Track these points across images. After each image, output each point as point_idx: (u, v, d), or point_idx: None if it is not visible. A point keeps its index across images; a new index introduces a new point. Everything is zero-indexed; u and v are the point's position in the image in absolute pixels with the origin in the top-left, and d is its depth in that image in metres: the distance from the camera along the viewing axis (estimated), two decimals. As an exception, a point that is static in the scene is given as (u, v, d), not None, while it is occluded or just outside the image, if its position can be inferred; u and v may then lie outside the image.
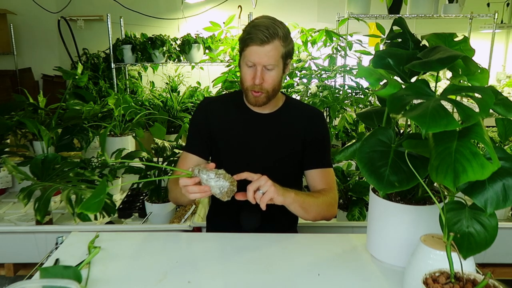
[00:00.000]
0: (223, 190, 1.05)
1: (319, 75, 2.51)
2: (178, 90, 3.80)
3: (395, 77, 1.02)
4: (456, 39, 1.02)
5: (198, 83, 3.90)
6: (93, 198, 0.89)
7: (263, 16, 1.29)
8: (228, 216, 1.41)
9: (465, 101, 2.90)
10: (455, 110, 0.81)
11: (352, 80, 2.61)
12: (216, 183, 1.04)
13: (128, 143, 2.43)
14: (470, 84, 0.99)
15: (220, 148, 1.38)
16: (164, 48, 3.54)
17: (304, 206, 1.22)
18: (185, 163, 1.37)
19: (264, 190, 1.08)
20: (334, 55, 2.67)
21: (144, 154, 1.98)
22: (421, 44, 1.09)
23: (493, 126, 1.79)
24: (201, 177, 1.05)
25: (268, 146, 1.37)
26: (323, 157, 1.38)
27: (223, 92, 2.58)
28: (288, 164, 1.38)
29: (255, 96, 1.29)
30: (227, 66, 2.83)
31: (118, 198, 2.16)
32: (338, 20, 3.22)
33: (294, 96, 2.39)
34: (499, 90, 1.43)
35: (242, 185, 1.10)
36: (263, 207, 1.09)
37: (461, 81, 1.01)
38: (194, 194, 1.06)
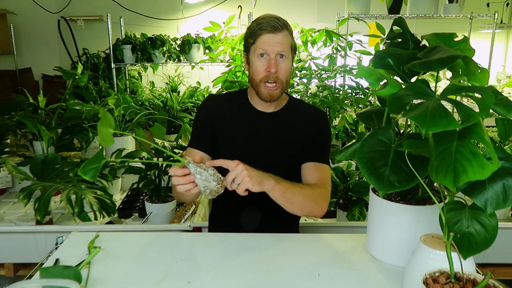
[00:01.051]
0: (206, 189, 1.03)
1: (319, 75, 2.51)
2: (178, 90, 3.80)
3: (395, 77, 1.02)
4: (456, 39, 1.02)
5: (198, 83, 3.90)
6: (92, 162, 0.88)
7: (266, 14, 1.30)
8: (229, 216, 1.41)
9: (465, 101, 2.90)
10: (455, 110, 0.81)
11: (352, 80, 2.61)
12: (202, 180, 1.02)
13: (128, 143, 2.43)
14: (470, 84, 0.99)
15: (222, 145, 1.38)
16: (164, 48, 3.54)
17: (286, 195, 1.17)
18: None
19: (238, 181, 1.05)
20: (334, 55, 2.67)
21: (144, 154, 1.98)
22: (421, 44, 1.09)
23: (493, 126, 1.79)
24: (190, 169, 1.02)
25: (271, 144, 1.36)
26: (320, 153, 1.37)
27: (223, 92, 2.58)
28: (290, 163, 1.38)
29: (270, 89, 1.28)
30: (227, 66, 2.83)
31: (118, 198, 2.16)
32: (338, 20, 3.22)
33: (294, 96, 2.39)
34: (499, 90, 1.43)
35: (222, 172, 1.08)
36: (240, 193, 1.07)
37: (461, 81, 1.01)
38: (181, 186, 1.03)
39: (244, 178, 1.05)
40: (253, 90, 1.34)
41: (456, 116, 0.79)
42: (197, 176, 1.02)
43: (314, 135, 1.37)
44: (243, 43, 1.39)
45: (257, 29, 1.26)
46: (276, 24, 1.24)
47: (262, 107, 1.37)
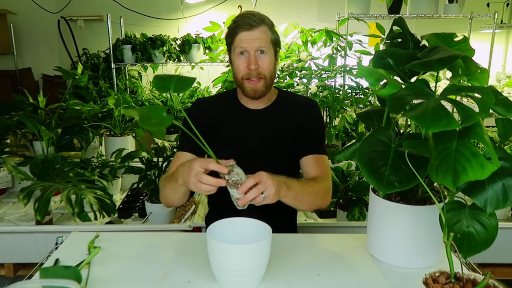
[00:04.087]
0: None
1: (319, 75, 2.51)
2: (178, 90, 3.79)
3: (395, 77, 1.02)
4: (456, 39, 1.02)
5: (198, 83, 3.90)
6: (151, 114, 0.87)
7: (244, 11, 1.31)
8: (227, 216, 1.40)
9: (465, 101, 2.90)
10: (455, 110, 0.81)
11: (352, 80, 2.61)
12: (236, 180, 1.01)
13: (128, 143, 2.43)
14: (470, 84, 0.99)
15: (215, 146, 1.37)
16: (164, 48, 3.54)
17: (297, 198, 1.18)
18: (179, 162, 1.36)
19: (266, 195, 1.04)
20: (334, 55, 2.67)
21: (144, 154, 1.98)
22: (421, 44, 1.09)
23: (493, 126, 1.79)
24: (234, 171, 1.01)
25: (264, 141, 1.36)
26: (317, 144, 1.37)
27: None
28: (284, 157, 1.38)
29: (253, 84, 1.29)
30: (227, 66, 2.83)
31: (118, 198, 2.16)
32: (338, 20, 3.22)
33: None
34: (499, 90, 1.43)
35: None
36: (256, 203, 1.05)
37: (461, 81, 1.01)
38: (206, 186, 1.01)
39: (270, 197, 1.04)
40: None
41: (456, 116, 0.79)
42: (235, 177, 1.00)
43: (308, 126, 1.38)
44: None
45: (234, 28, 1.27)
46: (252, 21, 1.24)
47: (252, 104, 1.38)
